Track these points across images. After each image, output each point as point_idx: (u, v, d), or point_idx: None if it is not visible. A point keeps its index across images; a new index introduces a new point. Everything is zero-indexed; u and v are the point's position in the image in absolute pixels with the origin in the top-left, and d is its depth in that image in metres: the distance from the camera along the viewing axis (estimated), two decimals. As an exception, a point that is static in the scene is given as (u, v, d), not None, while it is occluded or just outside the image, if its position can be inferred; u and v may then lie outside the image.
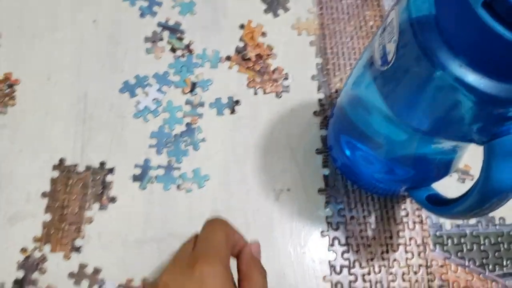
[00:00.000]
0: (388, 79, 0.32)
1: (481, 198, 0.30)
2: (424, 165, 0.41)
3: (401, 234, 0.47)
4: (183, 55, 0.51)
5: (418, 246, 0.47)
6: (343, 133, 0.45)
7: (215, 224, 0.36)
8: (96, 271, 0.44)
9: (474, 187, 0.30)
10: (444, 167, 0.41)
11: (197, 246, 0.34)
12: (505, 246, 0.47)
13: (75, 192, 0.46)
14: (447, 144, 0.35)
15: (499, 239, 0.47)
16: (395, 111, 0.33)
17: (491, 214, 0.48)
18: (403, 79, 0.31)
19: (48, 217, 0.45)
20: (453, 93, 0.28)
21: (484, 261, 0.47)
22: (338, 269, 0.45)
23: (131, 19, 0.53)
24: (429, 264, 0.46)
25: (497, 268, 0.46)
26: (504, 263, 0.47)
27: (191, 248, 0.34)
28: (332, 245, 0.46)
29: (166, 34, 0.52)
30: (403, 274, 0.46)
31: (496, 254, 0.47)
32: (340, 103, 0.44)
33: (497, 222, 0.48)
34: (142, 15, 0.53)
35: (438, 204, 0.38)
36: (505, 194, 0.28)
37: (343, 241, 0.46)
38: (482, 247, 0.47)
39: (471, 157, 0.49)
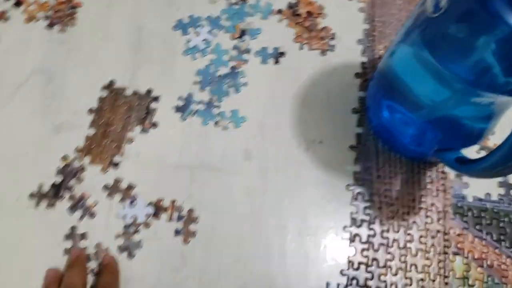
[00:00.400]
0: (437, 27, 0.34)
1: (510, 152, 0.31)
2: (458, 129, 0.42)
3: (423, 199, 0.48)
4: (236, 3, 0.54)
5: (438, 212, 0.48)
6: (385, 96, 0.46)
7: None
8: (130, 187, 0.46)
9: (505, 141, 0.32)
10: (476, 134, 0.42)
11: None
12: (524, 226, 0.48)
13: (120, 113, 0.49)
14: (485, 100, 0.36)
15: (519, 218, 0.48)
16: (442, 61, 0.35)
17: (514, 194, 0.49)
18: (454, 26, 0.32)
19: (92, 131, 0.48)
20: (505, 42, 0.29)
21: (501, 237, 0.48)
22: (358, 222, 0.47)
23: (192, -37, 0.55)
24: (447, 231, 0.47)
25: (513, 246, 0.47)
26: (521, 242, 0.48)
27: None
28: (355, 199, 0.48)
29: (224, -19, 0.54)
30: (421, 236, 0.47)
31: (514, 232, 0.48)
32: (383, 67, 0.45)
33: (519, 202, 0.49)
34: (203, -40, 0.55)
35: (466, 164, 0.39)
36: None
37: (366, 197, 0.48)
38: (501, 224, 0.48)
39: (501, 136, 0.50)
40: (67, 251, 0.44)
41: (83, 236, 0.44)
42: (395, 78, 0.43)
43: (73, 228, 0.44)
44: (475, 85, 0.34)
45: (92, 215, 0.45)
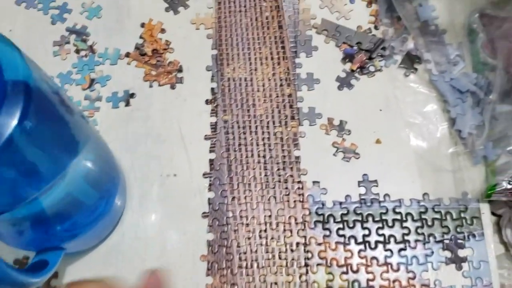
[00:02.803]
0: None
1: None
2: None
3: (280, 213, 0.47)
4: (86, 55, 0.55)
5: (297, 224, 0.47)
6: None
7: None
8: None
9: None
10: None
11: None
12: (389, 223, 0.46)
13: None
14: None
15: (383, 216, 0.47)
16: None
17: (375, 191, 0.47)
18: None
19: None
20: None
21: (366, 238, 0.46)
22: (215, 248, 0.46)
23: (42, 27, 0.57)
24: (307, 242, 0.46)
25: (379, 246, 0.46)
26: (386, 240, 0.46)
27: None
28: (211, 226, 0.47)
29: (73, 37, 0.56)
30: (280, 251, 0.46)
31: (379, 231, 0.46)
32: None
33: (381, 199, 0.47)
34: (53, 22, 0.57)
35: None
36: None
37: (222, 221, 0.47)
38: (364, 225, 0.47)
39: (359, 135, 0.49)
40: None
41: None
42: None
43: None
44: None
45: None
